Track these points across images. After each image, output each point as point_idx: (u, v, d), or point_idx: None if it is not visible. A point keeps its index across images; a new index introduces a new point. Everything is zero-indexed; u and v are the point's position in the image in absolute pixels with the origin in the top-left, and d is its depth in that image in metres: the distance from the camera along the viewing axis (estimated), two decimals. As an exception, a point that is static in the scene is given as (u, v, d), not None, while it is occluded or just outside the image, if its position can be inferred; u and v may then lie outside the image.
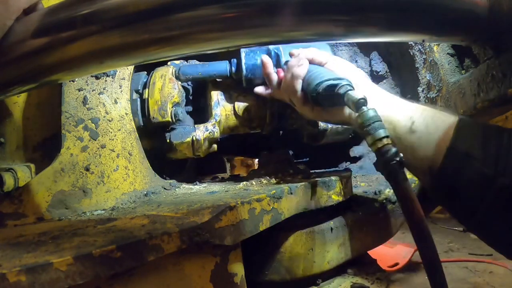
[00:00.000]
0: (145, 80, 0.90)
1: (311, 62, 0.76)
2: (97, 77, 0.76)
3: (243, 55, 0.83)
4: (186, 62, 0.94)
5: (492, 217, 0.56)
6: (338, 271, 0.79)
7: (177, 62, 0.93)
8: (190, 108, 0.94)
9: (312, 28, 0.52)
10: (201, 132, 0.87)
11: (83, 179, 0.69)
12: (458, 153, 0.57)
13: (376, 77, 1.08)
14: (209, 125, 0.88)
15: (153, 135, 0.89)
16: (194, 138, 0.86)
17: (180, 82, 0.89)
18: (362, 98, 0.59)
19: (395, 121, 0.64)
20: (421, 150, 0.61)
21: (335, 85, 0.65)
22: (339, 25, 0.52)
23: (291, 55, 0.81)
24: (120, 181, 0.74)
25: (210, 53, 0.55)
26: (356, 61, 1.10)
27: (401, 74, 1.05)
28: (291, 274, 0.72)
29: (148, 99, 0.85)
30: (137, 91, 0.87)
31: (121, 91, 0.80)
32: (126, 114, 0.80)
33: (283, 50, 0.80)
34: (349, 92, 0.62)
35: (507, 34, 0.59)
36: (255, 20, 0.49)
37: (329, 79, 0.67)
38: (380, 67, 1.06)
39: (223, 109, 0.91)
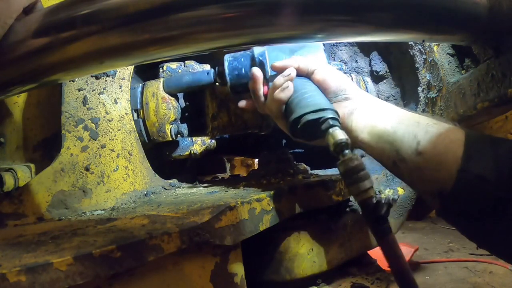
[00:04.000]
0: (140, 91, 0.88)
1: (297, 72, 0.68)
2: (97, 77, 0.76)
3: (226, 64, 0.78)
4: (183, 66, 0.92)
5: (510, 239, 0.53)
6: (338, 271, 0.79)
7: (173, 66, 0.91)
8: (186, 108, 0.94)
9: (311, 28, 0.52)
10: (199, 146, 0.91)
11: (83, 179, 0.69)
12: (470, 176, 0.53)
13: (376, 77, 1.08)
14: (206, 139, 0.91)
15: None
16: (192, 152, 0.90)
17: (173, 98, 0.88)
18: (343, 141, 0.56)
19: (398, 141, 0.59)
20: (429, 173, 0.57)
21: (317, 119, 0.60)
22: (339, 25, 0.52)
23: (274, 69, 0.71)
24: (120, 181, 0.74)
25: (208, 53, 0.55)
26: (356, 61, 1.10)
27: (401, 74, 1.05)
28: (291, 274, 0.72)
29: (145, 120, 0.86)
30: (136, 110, 0.87)
31: (121, 91, 0.80)
32: (126, 114, 0.80)
33: (268, 56, 0.73)
34: (331, 130, 0.58)
35: (507, 34, 0.59)
36: (255, 20, 0.49)
37: (310, 112, 0.61)
38: (380, 67, 1.06)
39: (220, 120, 0.92)
